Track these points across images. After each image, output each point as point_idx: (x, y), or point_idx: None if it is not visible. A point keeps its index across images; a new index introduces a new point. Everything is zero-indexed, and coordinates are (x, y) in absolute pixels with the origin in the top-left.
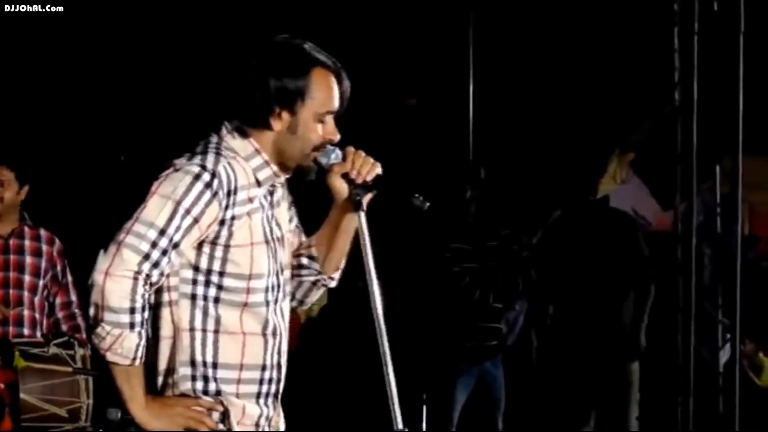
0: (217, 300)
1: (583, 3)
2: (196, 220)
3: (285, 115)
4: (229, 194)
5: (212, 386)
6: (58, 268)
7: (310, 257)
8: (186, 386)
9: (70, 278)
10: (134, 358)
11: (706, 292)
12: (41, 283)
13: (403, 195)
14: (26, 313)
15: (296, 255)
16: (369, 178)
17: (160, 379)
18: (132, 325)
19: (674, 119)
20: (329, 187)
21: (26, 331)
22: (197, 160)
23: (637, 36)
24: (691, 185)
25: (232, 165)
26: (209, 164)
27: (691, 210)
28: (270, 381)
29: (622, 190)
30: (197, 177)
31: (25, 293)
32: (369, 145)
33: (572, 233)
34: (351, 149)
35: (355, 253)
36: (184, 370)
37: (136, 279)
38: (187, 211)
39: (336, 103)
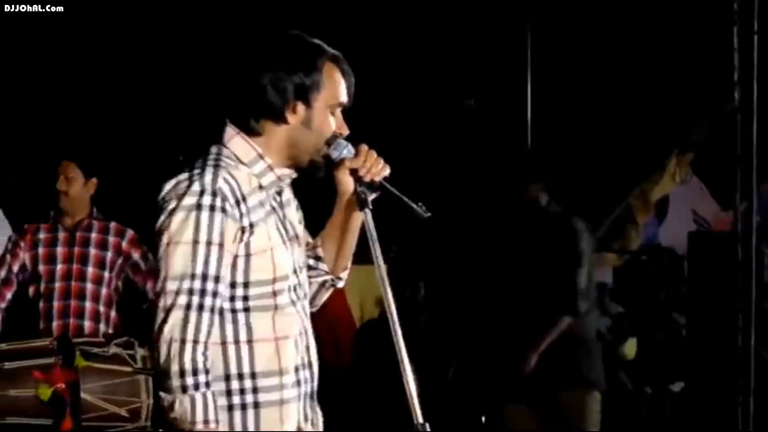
0: (246, 310)
1: (642, 3)
2: (221, 245)
3: (300, 108)
4: (238, 203)
5: (250, 398)
6: (136, 256)
7: (317, 258)
8: (221, 402)
9: (153, 264)
10: (192, 422)
11: (766, 292)
12: (107, 274)
13: (407, 201)
14: (88, 305)
15: None
16: (377, 179)
17: None
18: (184, 389)
19: (734, 119)
20: (336, 180)
21: (87, 323)
22: (195, 185)
23: (697, 35)
24: (751, 185)
25: (232, 174)
26: (207, 185)
27: (751, 210)
28: (306, 381)
29: (681, 190)
30: (199, 207)
31: (88, 285)
32: (427, 145)
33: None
34: (365, 147)
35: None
36: (218, 386)
37: (183, 341)
38: (209, 243)
39: (345, 96)
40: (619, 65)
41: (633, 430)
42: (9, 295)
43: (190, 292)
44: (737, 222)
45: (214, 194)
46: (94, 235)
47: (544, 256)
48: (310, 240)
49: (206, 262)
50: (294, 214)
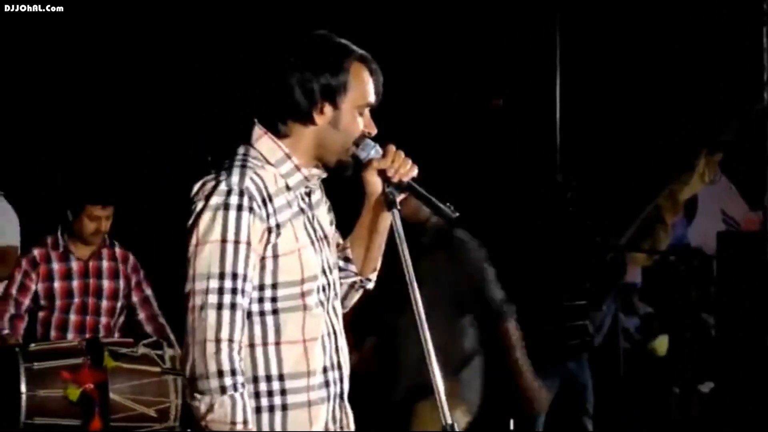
0: (275, 312)
1: (670, 2)
2: (249, 244)
3: (328, 108)
4: (265, 203)
5: (278, 400)
6: (133, 282)
7: (346, 259)
8: (250, 404)
9: (149, 292)
10: (233, 422)
11: None
12: (119, 304)
13: (435, 201)
14: (102, 335)
15: None
16: (405, 179)
17: None
18: (223, 389)
19: (762, 118)
20: (363, 181)
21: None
22: (222, 185)
23: (726, 35)
24: None
25: (259, 174)
26: (234, 184)
27: None
28: (334, 382)
29: (710, 190)
30: (227, 206)
31: (102, 319)
32: (456, 145)
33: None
34: (392, 147)
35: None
36: (246, 388)
37: (218, 341)
38: (237, 242)
39: (373, 96)
40: (647, 65)
41: (661, 431)
42: (21, 329)
43: (221, 291)
44: (766, 222)
45: (241, 194)
46: (105, 264)
47: (437, 274)
48: (341, 241)
49: (235, 261)
50: (325, 215)
